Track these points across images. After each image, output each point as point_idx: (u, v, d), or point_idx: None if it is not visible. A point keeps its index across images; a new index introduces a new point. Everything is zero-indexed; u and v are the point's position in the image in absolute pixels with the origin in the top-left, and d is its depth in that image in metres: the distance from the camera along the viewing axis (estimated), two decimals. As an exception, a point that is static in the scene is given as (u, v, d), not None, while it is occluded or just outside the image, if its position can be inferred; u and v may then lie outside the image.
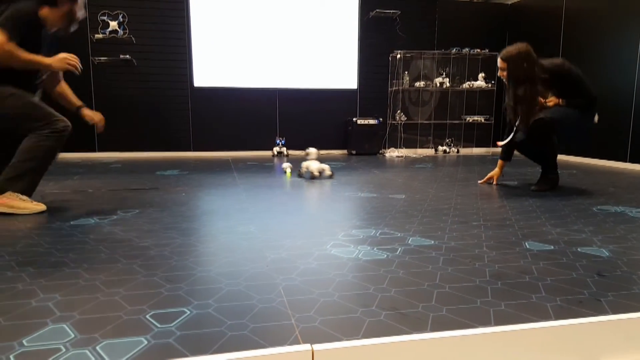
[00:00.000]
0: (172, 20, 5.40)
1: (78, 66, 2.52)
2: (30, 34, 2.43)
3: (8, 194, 2.32)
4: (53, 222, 2.11)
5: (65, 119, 2.54)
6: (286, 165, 3.88)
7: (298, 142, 5.93)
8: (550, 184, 3.13)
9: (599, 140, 4.80)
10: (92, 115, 2.82)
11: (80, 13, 2.60)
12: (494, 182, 3.39)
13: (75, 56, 2.50)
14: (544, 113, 2.93)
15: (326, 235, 1.91)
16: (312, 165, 3.58)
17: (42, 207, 2.39)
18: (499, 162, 3.36)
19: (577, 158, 5.12)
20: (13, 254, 1.63)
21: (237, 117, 5.74)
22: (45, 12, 2.43)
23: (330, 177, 3.66)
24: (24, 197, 2.36)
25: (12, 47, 2.27)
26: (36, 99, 2.55)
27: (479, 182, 3.45)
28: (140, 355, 0.94)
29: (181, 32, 5.44)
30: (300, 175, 3.69)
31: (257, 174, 3.88)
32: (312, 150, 3.68)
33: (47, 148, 2.39)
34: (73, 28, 2.66)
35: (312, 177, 3.57)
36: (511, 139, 3.12)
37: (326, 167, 3.64)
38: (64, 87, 2.91)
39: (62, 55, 2.46)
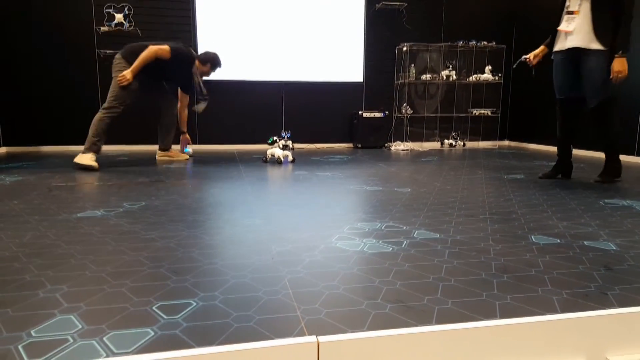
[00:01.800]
0: (178, 13, 5.39)
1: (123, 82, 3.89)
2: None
3: (87, 155, 3.74)
4: (59, 215, 2.13)
5: (120, 106, 3.85)
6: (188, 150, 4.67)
7: (304, 135, 5.93)
8: (615, 173, 3.15)
9: (606, 134, 4.75)
10: (184, 141, 4.64)
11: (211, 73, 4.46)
12: (532, 61, 3.24)
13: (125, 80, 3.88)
14: (596, 94, 2.95)
15: (331, 228, 1.91)
16: (277, 151, 4.18)
17: (95, 165, 3.74)
18: (541, 47, 3.28)
19: (585, 152, 5.08)
20: (20, 246, 1.64)
21: (243, 110, 5.74)
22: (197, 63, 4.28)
23: (292, 162, 4.27)
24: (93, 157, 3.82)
25: (152, 55, 3.93)
26: (135, 85, 3.95)
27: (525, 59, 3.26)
28: (147, 346, 0.94)
29: (186, 25, 5.43)
30: (265, 161, 4.26)
31: (263, 167, 3.89)
32: (274, 139, 4.43)
33: (104, 124, 3.80)
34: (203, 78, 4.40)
35: (277, 162, 4.17)
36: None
37: (288, 154, 4.26)
38: (184, 113, 4.50)
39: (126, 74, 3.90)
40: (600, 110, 2.98)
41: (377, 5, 5.80)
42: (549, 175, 3.32)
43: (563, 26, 3.07)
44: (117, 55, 3.98)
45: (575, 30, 2.99)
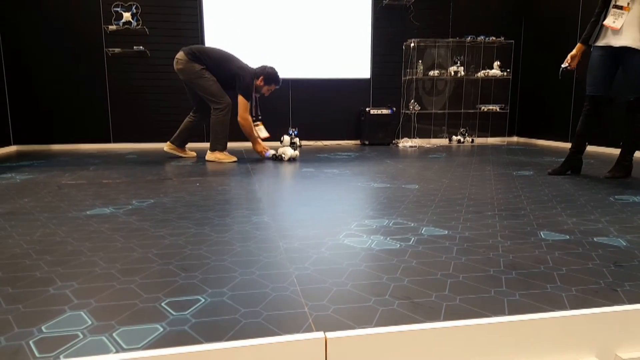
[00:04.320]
0: (185, 11, 5.41)
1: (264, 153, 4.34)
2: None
3: (217, 152, 4.13)
4: (69, 212, 2.14)
5: (226, 99, 4.07)
6: (271, 153, 4.36)
7: (311, 132, 5.93)
8: (625, 170, 3.14)
9: (616, 130, 4.71)
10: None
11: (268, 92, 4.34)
12: (572, 65, 3.14)
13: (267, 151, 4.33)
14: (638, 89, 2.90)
15: (339, 225, 1.91)
16: (288, 151, 4.25)
17: (234, 158, 4.19)
18: (579, 45, 3.14)
19: (595, 147, 5.03)
20: (31, 243, 1.66)
21: (250, 107, 5.75)
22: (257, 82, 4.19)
23: (295, 158, 4.32)
24: (225, 153, 4.18)
25: (249, 119, 4.14)
26: (213, 77, 4.07)
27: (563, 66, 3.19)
28: (156, 342, 0.95)
29: (194, 23, 5.45)
30: (275, 157, 4.30)
31: (270, 165, 3.89)
32: (287, 138, 4.35)
33: (221, 121, 4.07)
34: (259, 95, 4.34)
35: (287, 160, 4.23)
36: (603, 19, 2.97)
37: (297, 154, 4.31)
38: (249, 124, 4.33)
39: (262, 149, 4.30)
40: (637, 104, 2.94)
41: (384, 1, 5.78)
42: (558, 171, 3.30)
43: (609, 21, 2.90)
44: (185, 57, 3.96)
45: (623, 28, 2.85)
